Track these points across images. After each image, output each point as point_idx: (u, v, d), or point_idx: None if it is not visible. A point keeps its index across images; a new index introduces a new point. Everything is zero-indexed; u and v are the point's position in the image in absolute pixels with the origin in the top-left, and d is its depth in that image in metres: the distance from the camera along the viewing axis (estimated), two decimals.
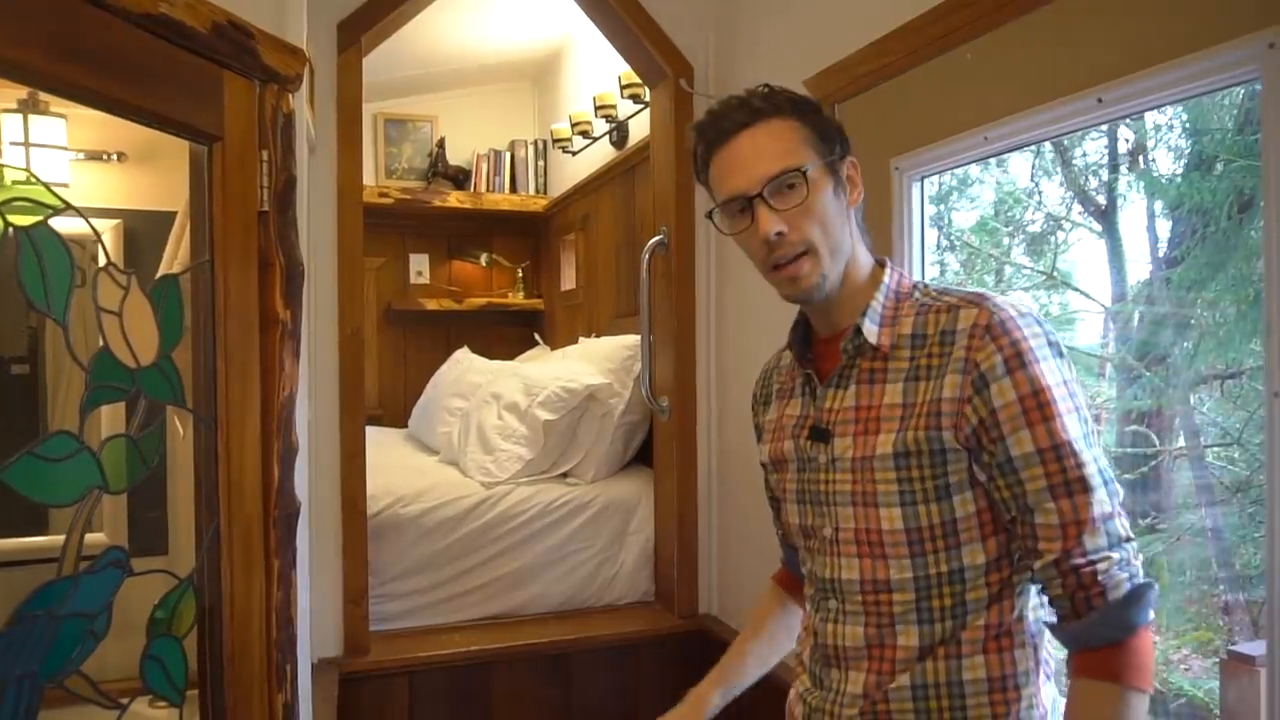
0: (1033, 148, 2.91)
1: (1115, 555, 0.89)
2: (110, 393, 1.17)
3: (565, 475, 2.38)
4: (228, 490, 1.38)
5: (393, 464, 2.50)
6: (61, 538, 1.12)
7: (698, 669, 2.19)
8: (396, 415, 3.76)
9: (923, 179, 1.50)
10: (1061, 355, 0.95)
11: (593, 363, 2.51)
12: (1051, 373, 0.92)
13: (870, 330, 1.02)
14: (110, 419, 1.43)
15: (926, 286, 1.06)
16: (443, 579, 2.16)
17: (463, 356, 3.41)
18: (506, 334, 3.96)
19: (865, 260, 1.07)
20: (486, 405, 2.53)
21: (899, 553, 0.98)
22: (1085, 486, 0.89)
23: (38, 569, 1.05)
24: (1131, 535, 0.90)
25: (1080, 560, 0.88)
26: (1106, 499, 0.90)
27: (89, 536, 1.15)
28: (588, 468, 2.36)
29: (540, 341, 3.67)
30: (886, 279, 1.06)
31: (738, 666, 1.31)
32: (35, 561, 1.43)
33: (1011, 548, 0.96)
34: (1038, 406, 0.91)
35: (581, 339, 2.99)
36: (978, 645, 0.96)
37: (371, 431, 2.05)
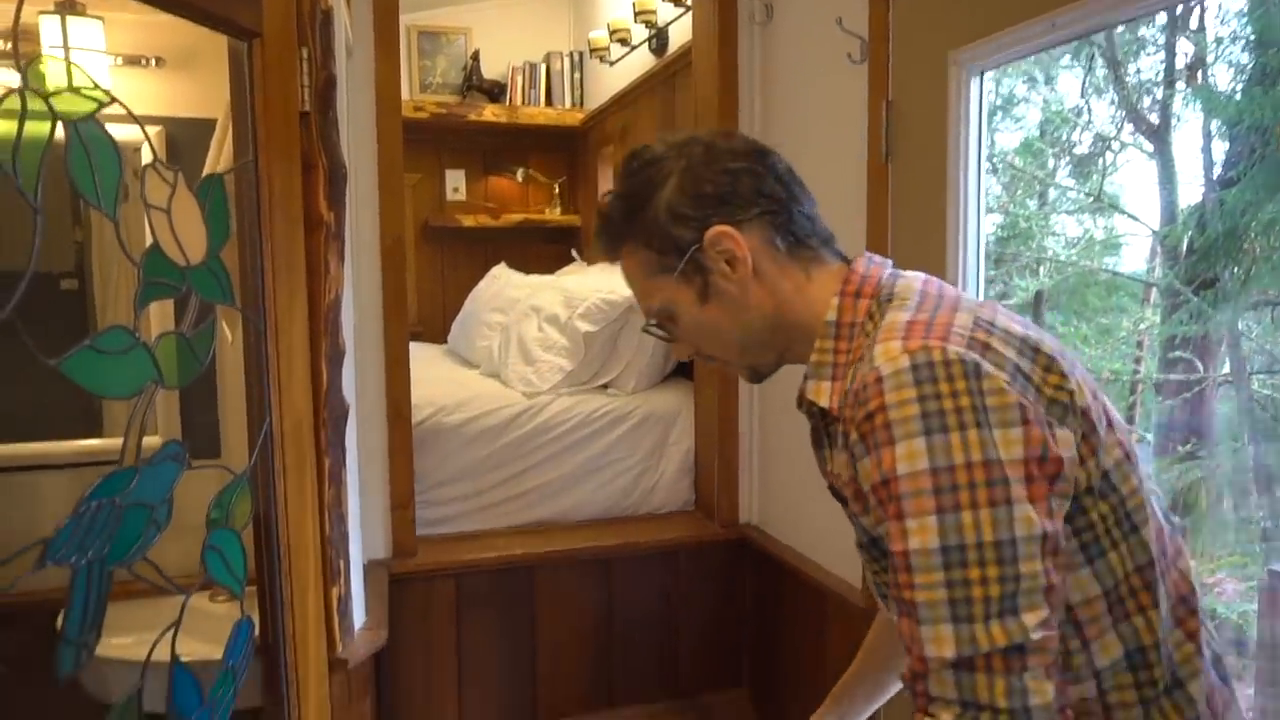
0: (1084, 64, 2.77)
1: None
2: (161, 289, 1.18)
3: (606, 386, 2.39)
4: (278, 391, 1.40)
5: (434, 377, 2.52)
6: (118, 440, 1.14)
7: (738, 576, 2.24)
8: (436, 332, 3.79)
9: (982, 74, 1.44)
10: (945, 430, 0.68)
11: None
12: (909, 457, 0.68)
13: (814, 389, 0.85)
14: (160, 319, 1.45)
15: (880, 306, 0.82)
16: (485, 486, 2.19)
17: (500, 272, 3.41)
18: (544, 251, 3.94)
19: (808, 307, 0.88)
20: (527, 318, 2.54)
21: None
22: (916, 615, 0.68)
23: (100, 470, 1.07)
24: (1007, 704, 0.65)
25: (921, 700, 0.69)
26: (952, 639, 0.66)
27: (146, 440, 1.17)
28: (628, 379, 2.36)
29: (578, 258, 3.65)
30: (831, 315, 0.85)
31: (849, 695, 1.16)
32: (95, 464, 1.48)
33: None
34: (888, 499, 0.71)
35: None
36: None
37: (412, 348, 2.07)
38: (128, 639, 1.21)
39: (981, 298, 1.34)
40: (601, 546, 2.14)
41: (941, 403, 0.69)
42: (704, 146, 0.88)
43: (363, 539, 1.92)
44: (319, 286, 1.45)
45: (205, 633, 1.30)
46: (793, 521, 2.08)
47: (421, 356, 2.86)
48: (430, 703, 2.07)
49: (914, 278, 0.86)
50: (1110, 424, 0.77)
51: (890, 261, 0.91)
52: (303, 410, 1.44)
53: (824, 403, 0.85)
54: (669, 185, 0.87)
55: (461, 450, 2.16)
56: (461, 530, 2.19)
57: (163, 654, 1.20)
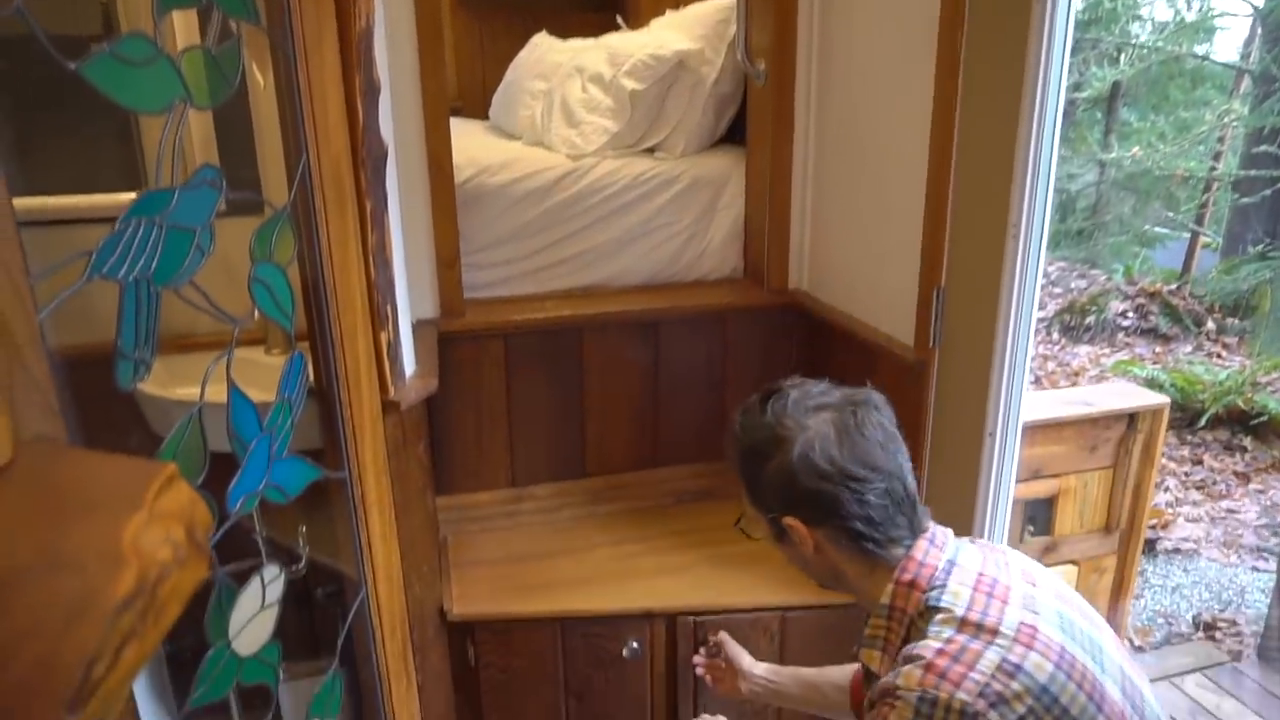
0: None
1: None
2: None
3: (653, 150, 2.29)
4: (313, 125, 1.34)
5: (476, 145, 2.43)
6: None
7: (785, 340, 2.22)
8: (476, 107, 3.65)
9: None
10: None
11: (683, 29, 2.33)
12: None
13: (867, 655, 1.10)
14: (185, 34, 1.38)
15: (928, 610, 1.02)
16: (531, 250, 2.16)
17: (541, 40, 3.22)
18: (586, 20, 3.70)
19: (866, 591, 1.10)
20: (570, 79, 2.41)
21: None
22: None
23: None
24: None
25: None
26: None
27: None
28: (676, 141, 2.26)
29: (622, 24, 3.43)
30: (885, 599, 1.06)
31: (792, 675, 1.50)
32: None
33: None
34: None
35: (669, 12, 2.77)
36: None
37: (453, 123, 1.97)
38: (192, 388, 1.23)
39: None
40: (649, 310, 2.12)
41: None
42: (809, 451, 1.04)
43: (411, 298, 1.92)
44: (349, 10, 1.36)
45: (261, 382, 1.32)
46: (845, 284, 2.03)
47: (462, 130, 2.77)
48: (482, 457, 2.15)
49: (968, 573, 1.03)
50: None
51: (949, 542, 1.08)
52: (339, 147, 1.38)
53: (874, 667, 1.09)
54: (772, 466, 1.07)
55: (506, 213, 2.11)
56: (508, 294, 2.18)
57: (219, 395, 1.23)
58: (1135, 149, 8.21)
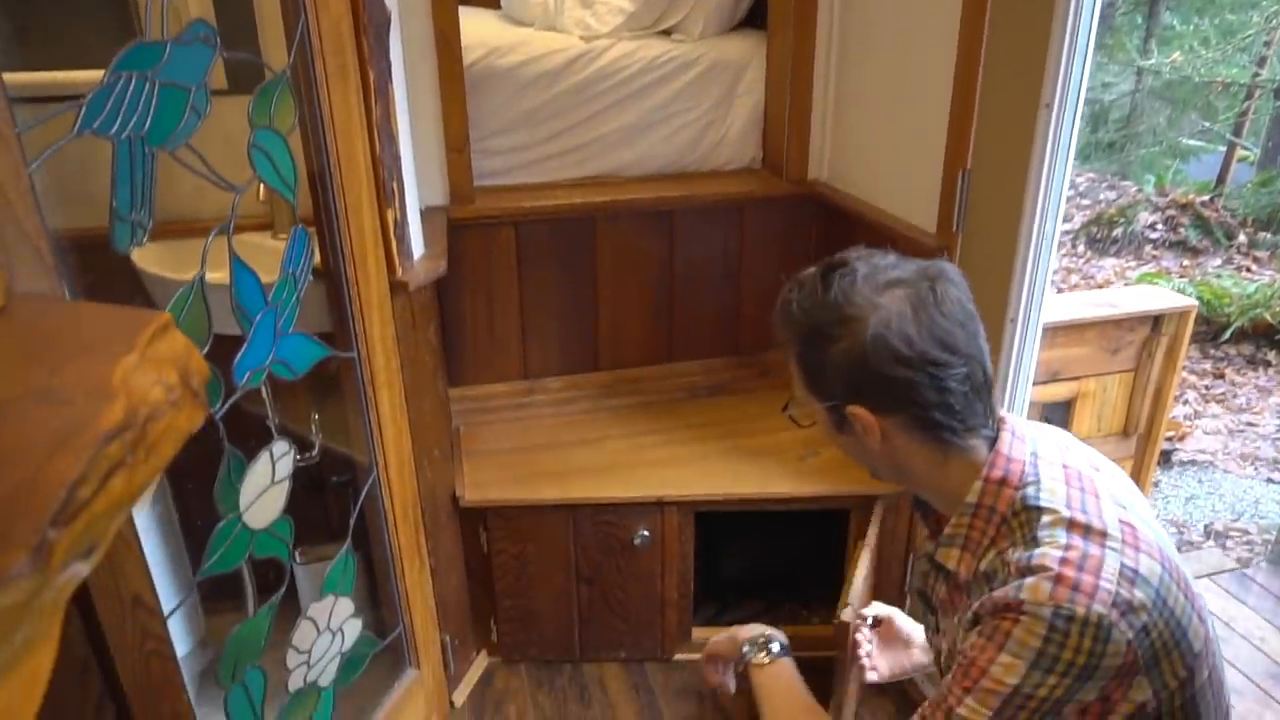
0: None
1: None
2: None
3: (670, 32, 2.20)
4: None
5: (485, 30, 2.34)
6: None
7: (804, 232, 2.16)
8: None
9: None
10: (1050, 671, 0.84)
11: None
12: (1007, 669, 0.86)
13: (944, 554, 1.02)
14: None
15: (1027, 510, 0.93)
16: (543, 136, 2.10)
17: None
18: None
19: (941, 484, 1.01)
20: None
21: None
22: None
23: None
24: None
25: None
26: None
27: None
28: (695, 22, 2.16)
29: None
30: (972, 498, 0.97)
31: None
32: None
33: None
34: (966, 668, 0.89)
35: None
36: None
37: (461, 12, 1.88)
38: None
39: None
40: (664, 198, 2.06)
41: (1063, 652, 0.83)
42: (884, 332, 0.91)
43: (420, 184, 1.87)
44: None
45: (268, 266, 1.29)
46: (866, 173, 1.96)
47: (473, 18, 2.66)
48: (494, 348, 2.13)
49: (1054, 466, 0.95)
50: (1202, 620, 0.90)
51: (1028, 431, 0.99)
52: (339, 10, 1.32)
53: (951, 566, 1.01)
54: (839, 349, 0.94)
55: (517, 96, 2.04)
56: (519, 182, 2.13)
57: (224, 277, 1.20)
58: (1175, 54, 7.89)
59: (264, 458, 1.31)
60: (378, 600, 1.79)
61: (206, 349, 1.17)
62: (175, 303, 1.12)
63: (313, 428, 1.95)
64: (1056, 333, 2.57)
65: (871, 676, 1.32)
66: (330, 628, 1.52)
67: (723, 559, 2.13)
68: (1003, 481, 0.95)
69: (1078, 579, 0.84)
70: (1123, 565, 0.85)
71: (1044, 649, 0.83)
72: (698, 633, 2.03)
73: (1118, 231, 7.03)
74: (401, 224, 1.52)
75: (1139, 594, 0.84)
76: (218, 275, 1.19)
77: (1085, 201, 7.98)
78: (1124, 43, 8.54)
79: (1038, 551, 0.88)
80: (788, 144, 2.11)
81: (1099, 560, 0.85)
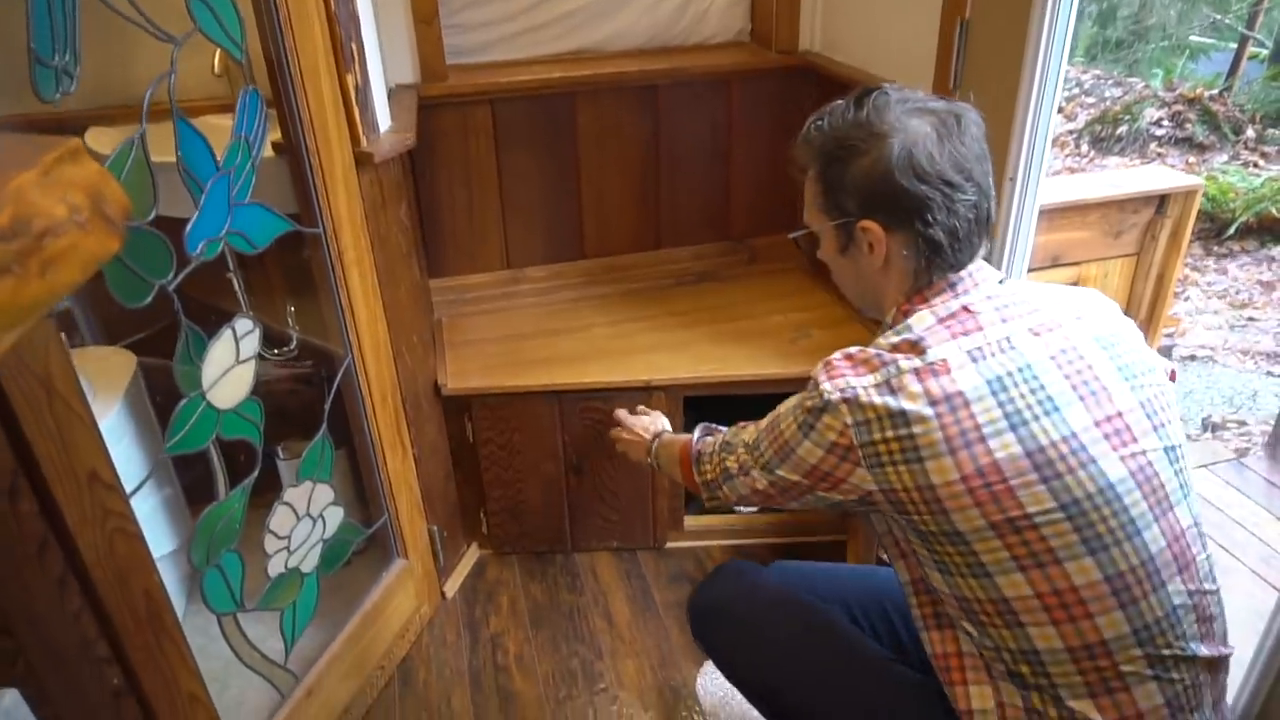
0: None
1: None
2: None
3: None
4: None
5: None
6: None
7: (795, 107, 2.06)
8: None
9: None
10: (803, 425, 1.00)
11: None
12: (786, 415, 1.04)
13: None
14: None
15: (893, 331, 1.01)
16: (517, 9, 1.98)
17: None
18: None
19: (889, 303, 1.07)
20: None
21: None
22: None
23: None
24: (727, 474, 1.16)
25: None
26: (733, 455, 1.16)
27: None
28: None
29: None
30: (888, 318, 1.06)
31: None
32: None
33: None
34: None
35: None
36: None
37: None
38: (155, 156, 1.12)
39: None
40: (647, 71, 1.96)
41: (810, 411, 0.99)
42: (910, 149, 0.96)
43: (387, 60, 1.77)
44: None
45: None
46: (861, 39, 1.85)
47: None
48: (475, 237, 2.06)
49: (953, 306, 1.00)
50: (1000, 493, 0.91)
51: (986, 282, 1.02)
52: None
53: None
54: (865, 162, 0.98)
55: None
56: (494, 59, 2.02)
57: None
58: None
59: (226, 335, 1.25)
60: (365, 497, 1.76)
61: (153, 214, 1.10)
62: (114, 160, 1.05)
63: (289, 320, 1.89)
64: (1057, 215, 2.48)
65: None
66: (310, 514, 1.49)
67: None
68: (906, 313, 1.02)
69: (837, 365, 0.97)
70: (888, 380, 0.93)
71: (807, 408, 0.99)
72: (690, 521, 2.01)
73: (1122, 129, 6.86)
74: (364, 91, 1.43)
75: (881, 401, 0.92)
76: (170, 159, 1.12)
77: (1089, 100, 7.76)
78: None
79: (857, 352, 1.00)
80: (777, 13, 1.99)
81: (871, 365, 0.95)
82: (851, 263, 1.06)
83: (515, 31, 2.00)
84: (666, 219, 2.15)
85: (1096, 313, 1.02)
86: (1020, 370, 0.93)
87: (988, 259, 1.07)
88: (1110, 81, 7.98)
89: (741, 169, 2.11)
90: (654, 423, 1.59)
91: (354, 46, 1.39)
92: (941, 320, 0.98)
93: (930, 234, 0.98)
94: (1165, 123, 6.79)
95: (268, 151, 1.45)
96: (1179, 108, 6.84)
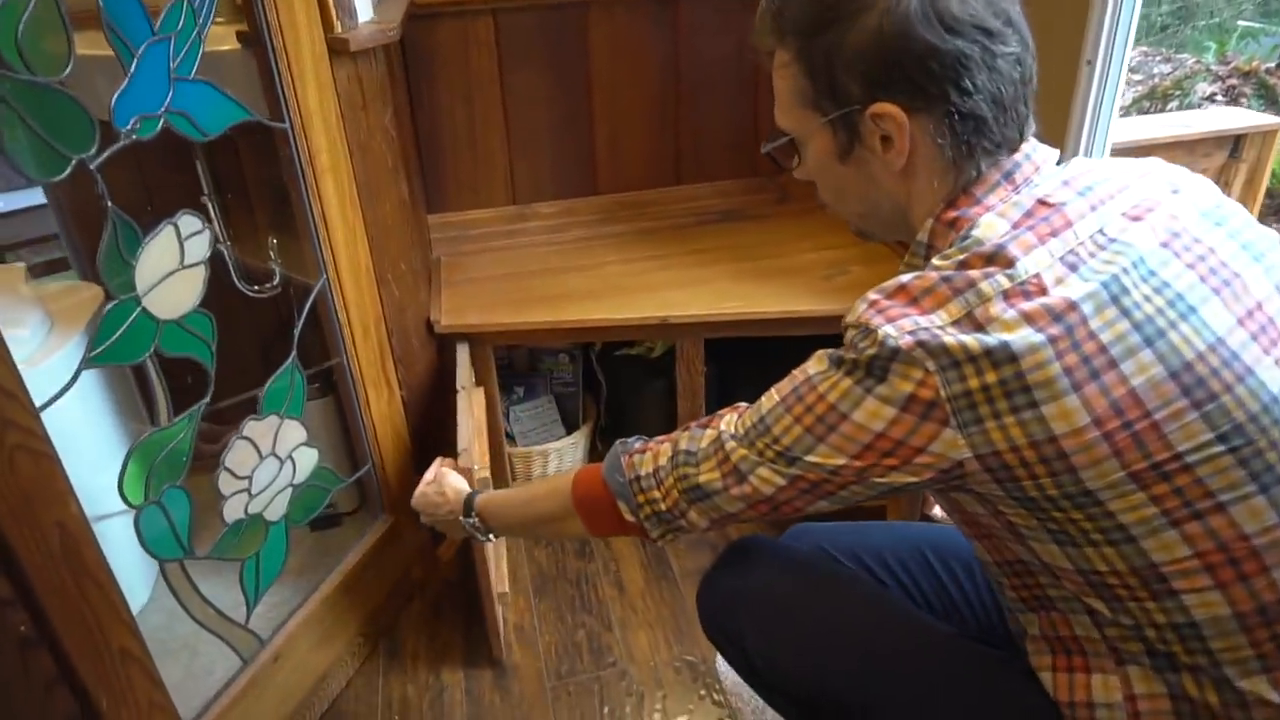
0: None
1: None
2: None
3: None
4: None
5: None
6: None
7: None
8: None
9: None
10: (864, 380, 0.72)
11: None
12: (823, 377, 0.75)
13: None
14: None
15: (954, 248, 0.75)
16: None
17: None
18: None
19: (922, 212, 0.80)
20: None
21: None
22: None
23: None
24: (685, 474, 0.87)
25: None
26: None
27: None
28: None
29: None
30: (924, 235, 0.80)
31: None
32: None
33: None
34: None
35: None
36: None
37: None
38: None
39: None
40: None
41: (846, 355, 0.73)
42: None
43: None
44: None
45: None
46: None
47: None
48: (477, 167, 1.87)
49: (1027, 201, 0.75)
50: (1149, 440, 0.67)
51: (1040, 171, 0.78)
52: None
53: None
54: (866, 23, 0.73)
55: None
56: None
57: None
58: None
59: (166, 232, 1.07)
60: (353, 449, 1.58)
61: (69, 69, 0.93)
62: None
63: (271, 254, 1.72)
64: (1120, 157, 2.26)
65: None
66: (276, 453, 1.31)
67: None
68: (954, 223, 0.77)
69: (889, 303, 0.72)
70: (970, 314, 0.69)
71: (839, 358, 0.74)
72: None
73: (1173, 105, 6.55)
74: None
75: (971, 338, 0.67)
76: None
77: (1137, 77, 7.44)
78: None
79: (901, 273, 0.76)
80: None
81: (938, 297, 0.70)
82: (857, 170, 0.81)
83: None
84: (688, 151, 1.95)
85: (1194, 183, 0.80)
86: (1135, 265, 0.70)
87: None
88: (1158, 58, 7.66)
89: (771, 95, 1.90)
90: (440, 491, 1.21)
91: None
92: (1016, 224, 0.73)
93: (970, 105, 0.73)
94: (1219, 97, 6.47)
95: (232, 44, 1.29)
96: (1234, 81, 6.52)
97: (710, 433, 0.86)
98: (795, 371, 0.79)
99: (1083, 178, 0.76)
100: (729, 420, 0.85)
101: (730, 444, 0.83)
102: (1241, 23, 7.94)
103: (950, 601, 1.04)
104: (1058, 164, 0.79)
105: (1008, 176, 0.77)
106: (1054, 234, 0.71)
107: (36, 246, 2.21)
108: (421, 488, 1.24)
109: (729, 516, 0.86)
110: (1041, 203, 0.74)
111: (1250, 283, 0.73)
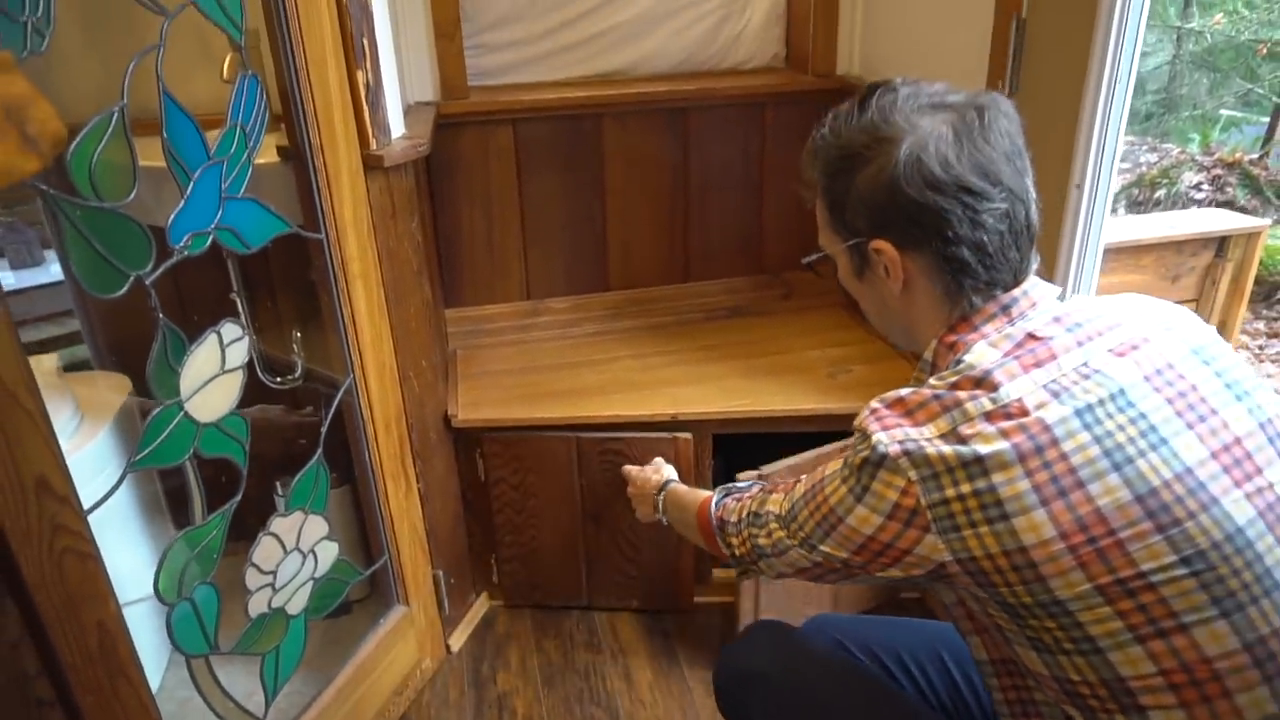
0: None
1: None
2: None
3: None
4: None
5: None
6: None
7: None
8: None
9: None
10: (855, 488, 0.83)
11: None
12: (831, 478, 0.87)
13: None
14: None
15: (950, 369, 0.83)
16: (544, 29, 1.91)
17: None
18: None
19: (928, 334, 0.90)
20: None
21: None
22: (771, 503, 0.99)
23: None
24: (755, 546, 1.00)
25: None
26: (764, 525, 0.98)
27: None
28: None
29: None
30: (929, 354, 0.90)
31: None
32: None
33: None
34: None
35: None
36: None
37: None
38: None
39: None
40: (677, 92, 1.87)
41: (860, 470, 0.81)
42: (920, 154, 0.81)
43: (405, 74, 1.70)
44: None
45: None
46: (905, 61, 1.76)
47: None
48: (494, 265, 1.95)
49: (1018, 334, 0.83)
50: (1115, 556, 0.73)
51: (1045, 300, 0.86)
52: None
53: None
54: (868, 174, 0.84)
55: None
56: (520, 80, 1.94)
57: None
58: (1218, 17, 7.58)
59: (210, 340, 1.14)
60: (366, 539, 1.62)
61: (132, 195, 1.00)
62: (91, 130, 0.94)
63: (295, 347, 1.78)
64: (1110, 256, 2.34)
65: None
66: (300, 548, 1.35)
67: None
68: (953, 346, 0.86)
69: (887, 413, 0.81)
70: (955, 430, 0.77)
71: (856, 466, 0.82)
72: (719, 574, 1.84)
73: (1160, 193, 6.72)
74: (375, 91, 1.34)
75: (950, 450, 0.76)
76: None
77: (1124, 165, 7.66)
78: (1163, 7, 8.23)
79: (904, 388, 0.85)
80: (815, 36, 1.90)
81: (930, 411, 0.79)
82: (870, 288, 0.93)
83: (541, 53, 1.92)
84: (696, 250, 2.03)
85: (1186, 322, 0.86)
86: (1113, 397, 0.76)
87: (1047, 278, 0.91)
88: (1144, 147, 7.89)
89: (775, 198, 2.00)
90: (656, 471, 1.47)
91: (365, 42, 1.30)
92: (1006, 353, 0.80)
93: (953, 252, 0.83)
94: (1205, 186, 6.66)
95: (272, 156, 1.37)
96: (1218, 171, 6.71)
97: (768, 502, 1.00)
98: (821, 467, 0.91)
99: (1074, 315, 0.83)
100: (775, 499, 0.98)
101: (773, 522, 0.96)
102: (1224, 112, 8.20)
103: (963, 703, 1.07)
104: (1060, 298, 0.87)
105: (1005, 310, 0.85)
106: (1038, 364, 0.79)
107: (38, 324, 2.24)
108: (640, 468, 1.50)
109: (786, 575, 0.97)
110: (1031, 336, 0.81)
111: (1230, 419, 0.78)
